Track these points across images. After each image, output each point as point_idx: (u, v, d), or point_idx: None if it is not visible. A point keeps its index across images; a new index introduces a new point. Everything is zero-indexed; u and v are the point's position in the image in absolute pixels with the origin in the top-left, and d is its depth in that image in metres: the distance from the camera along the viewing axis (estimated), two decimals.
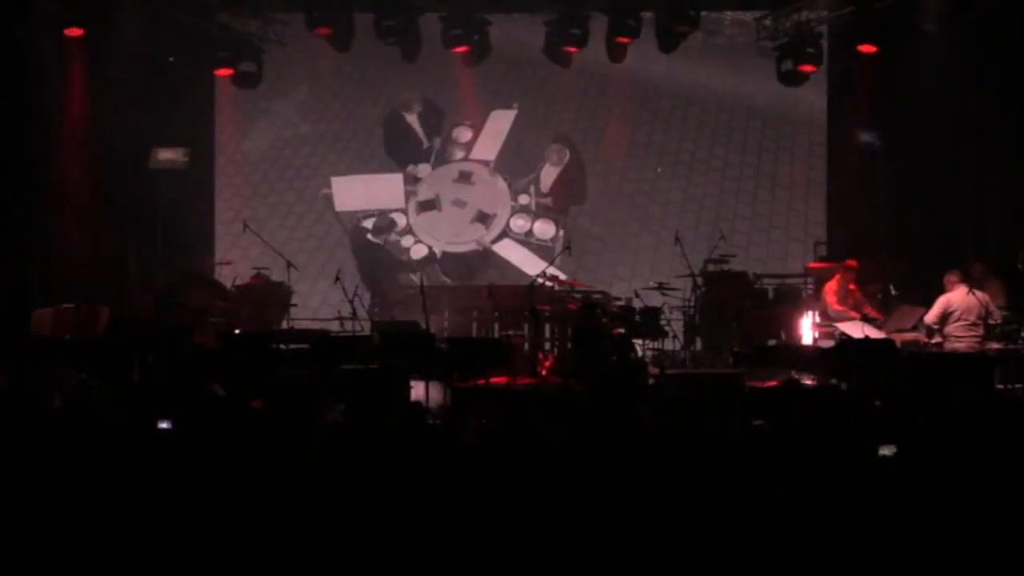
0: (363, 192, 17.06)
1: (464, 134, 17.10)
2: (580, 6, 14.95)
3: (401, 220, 16.94)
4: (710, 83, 16.36)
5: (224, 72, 15.53)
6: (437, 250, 16.79)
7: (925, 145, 14.15)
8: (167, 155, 14.74)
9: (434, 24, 15.26)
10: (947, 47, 13.79)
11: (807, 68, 14.81)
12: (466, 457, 6.11)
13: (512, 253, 16.74)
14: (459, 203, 16.92)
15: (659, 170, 16.62)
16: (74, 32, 13.87)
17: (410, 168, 16.93)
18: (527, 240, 16.70)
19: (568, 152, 16.78)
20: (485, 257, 16.69)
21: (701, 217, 16.11)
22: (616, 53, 15.41)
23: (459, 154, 17.05)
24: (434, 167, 17.03)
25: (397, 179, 16.95)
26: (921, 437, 6.65)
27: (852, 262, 12.82)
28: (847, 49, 14.77)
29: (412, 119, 17.14)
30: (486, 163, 16.94)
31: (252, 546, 5.22)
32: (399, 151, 17.01)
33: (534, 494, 5.45)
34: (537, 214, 16.65)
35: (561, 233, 16.50)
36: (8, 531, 5.30)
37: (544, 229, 16.69)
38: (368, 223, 16.93)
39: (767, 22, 15.12)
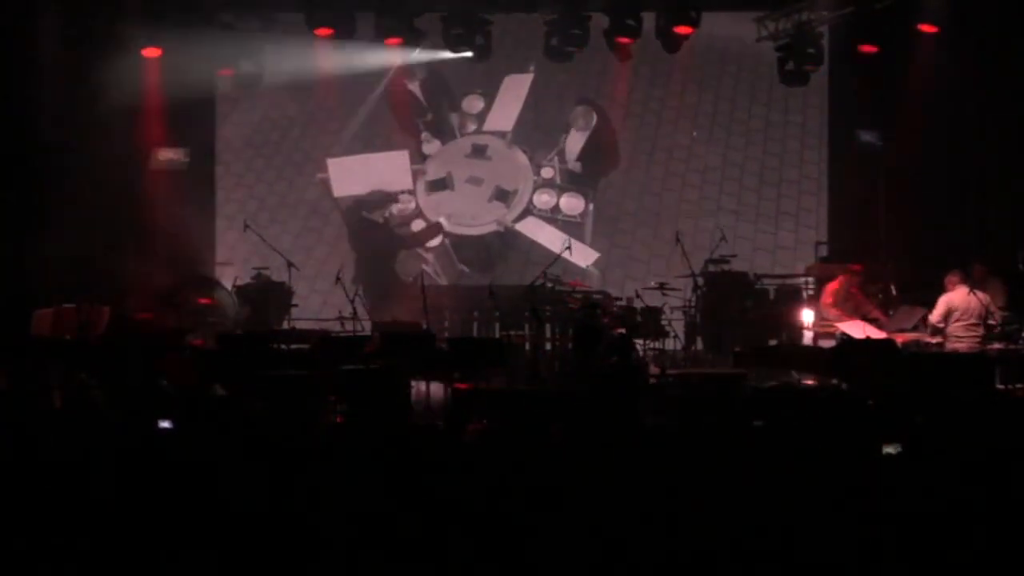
0: (365, 173, 15.42)
1: (475, 103, 15.54)
2: (580, 6, 14.90)
3: (409, 203, 15.43)
4: (745, 40, 14.81)
5: (224, 72, 15.50)
6: (452, 234, 15.32)
7: (925, 145, 14.16)
8: (167, 155, 14.74)
9: (435, 24, 15.17)
10: (947, 47, 13.79)
11: (808, 68, 14.81)
12: (466, 457, 6.11)
13: (538, 232, 15.21)
14: (474, 180, 15.37)
15: (695, 134, 15.34)
16: (74, 32, 13.87)
17: (419, 125, 15.20)
18: (553, 217, 15.22)
19: (595, 115, 15.34)
20: (507, 239, 15.30)
21: (696, 240, 14.64)
22: (620, 52, 15.28)
23: (471, 126, 15.50)
24: (444, 142, 15.50)
25: (403, 157, 15.41)
26: (921, 437, 6.65)
27: (857, 266, 12.79)
28: (847, 49, 14.76)
29: (415, 87, 15.57)
30: (502, 134, 15.41)
31: (252, 546, 5.22)
32: (403, 124, 15.46)
33: (534, 494, 5.45)
34: (563, 188, 15.21)
35: (591, 207, 15.12)
36: (8, 530, 5.29)
37: (572, 204, 15.21)
38: (388, 211, 15.27)
39: (767, 22, 15.10)
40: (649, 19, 14.65)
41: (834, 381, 10.27)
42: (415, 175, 15.52)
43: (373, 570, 5.17)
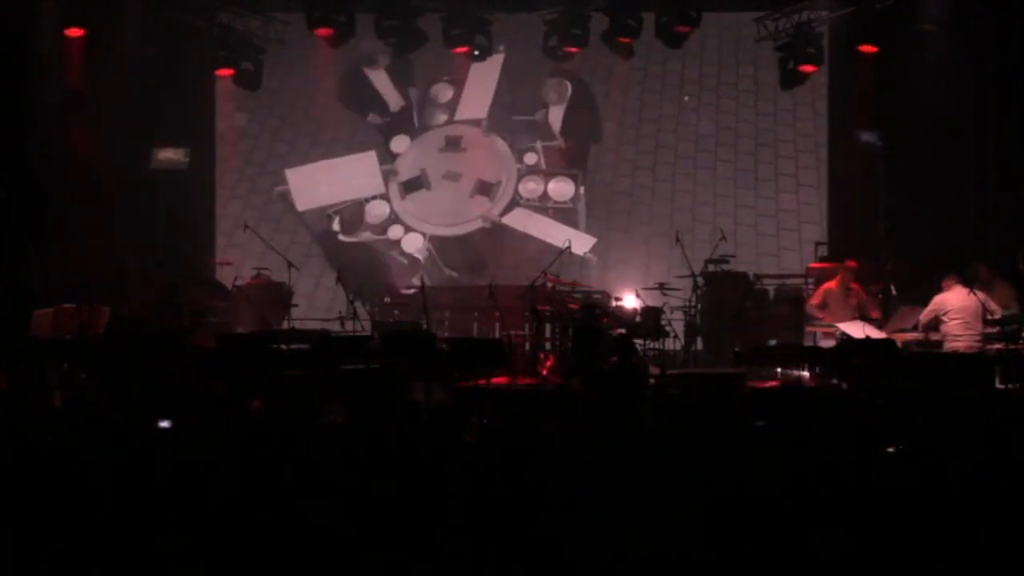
0: (330, 182, 14.33)
1: (444, 92, 14.63)
2: (580, 6, 14.89)
3: (383, 208, 14.35)
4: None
5: (224, 72, 15.50)
6: (434, 237, 14.31)
7: (925, 145, 14.17)
8: (167, 155, 14.73)
9: (435, 23, 15.13)
10: (947, 47, 13.81)
11: (807, 68, 14.83)
12: (466, 457, 6.10)
13: (528, 224, 14.27)
14: (452, 176, 14.44)
15: (686, 98, 14.56)
16: (74, 32, 13.90)
17: (383, 124, 14.01)
18: (543, 206, 14.35)
19: (569, 85, 14.44)
20: (495, 235, 14.42)
21: (696, 214, 14.72)
22: (621, 52, 15.19)
23: (442, 117, 14.56)
24: (413, 137, 14.48)
25: (370, 159, 14.33)
26: (921, 437, 6.65)
27: (852, 263, 12.80)
28: (847, 49, 14.78)
29: (377, 76, 14.49)
30: (477, 122, 14.53)
31: (252, 546, 5.22)
32: (368, 118, 14.46)
33: (535, 494, 5.45)
34: (550, 173, 14.30)
35: (582, 190, 14.26)
36: (8, 531, 5.29)
37: (561, 189, 14.31)
38: (334, 223, 14.21)
39: (767, 22, 15.11)
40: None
41: (834, 381, 10.27)
42: (386, 177, 14.51)
43: (374, 569, 5.17)
